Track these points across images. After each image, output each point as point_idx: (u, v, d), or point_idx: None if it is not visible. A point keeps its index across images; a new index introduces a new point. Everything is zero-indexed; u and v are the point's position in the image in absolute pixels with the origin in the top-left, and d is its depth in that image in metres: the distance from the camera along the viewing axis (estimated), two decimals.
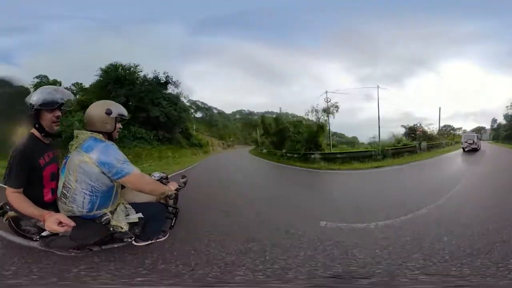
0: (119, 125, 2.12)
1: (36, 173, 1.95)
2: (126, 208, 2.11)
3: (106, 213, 2.00)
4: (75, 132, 2.03)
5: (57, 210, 2.00)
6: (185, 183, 2.48)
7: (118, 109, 2.10)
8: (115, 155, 1.92)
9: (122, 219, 2.04)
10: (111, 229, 2.04)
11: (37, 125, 1.97)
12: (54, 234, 1.97)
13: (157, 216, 2.29)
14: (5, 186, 1.89)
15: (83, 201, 1.94)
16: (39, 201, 1.92)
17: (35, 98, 1.92)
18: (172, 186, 2.25)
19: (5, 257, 2.25)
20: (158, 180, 2.40)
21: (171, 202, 2.60)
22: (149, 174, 2.41)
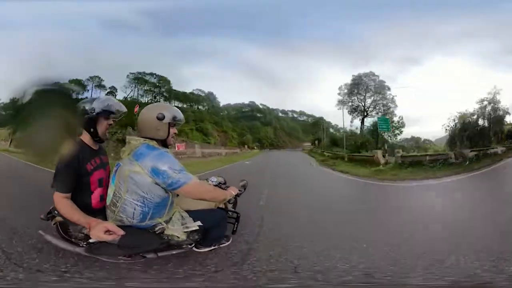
0: (173, 130, 1.94)
1: (83, 178, 1.91)
2: (182, 216, 1.98)
3: (160, 223, 1.88)
4: (127, 138, 1.92)
5: (105, 217, 1.94)
6: (244, 186, 2.33)
7: (172, 112, 1.90)
8: (169, 164, 1.75)
9: (179, 228, 1.91)
10: (166, 238, 1.93)
11: (92, 130, 1.96)
12: (102, 241, 1.89)
13: (218, 223, 2.16)
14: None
15: (133, 212, 1.82)
16: (86, 207, 1.88)
17: (95, 105, 1.93)
18: (233, 191, 2.10)
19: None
20: (216, 185, 2.28)
21: (230, 206, 2.48)
22: (206, 180, 2.28)
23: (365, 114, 23.25)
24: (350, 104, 24.27)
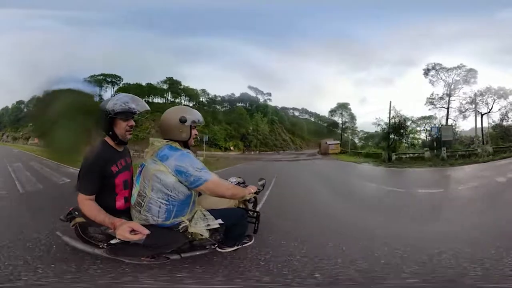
0: (194, 132, 2.03)
1: (108, 180, 1.91)
2: (204, 215, 2.02)
3: (183, 221, 1.93)
4: (151, 139, 1.97)
5: (129, 218, 1.94)
6: (263, 185, 2.41)
7: (193, 115, 2.00)
8: (191, 163, 1.85)
9: (201, 226, 1.96)
10: (190, 236, 1.97)
11: (110, 133, 1.94)
12: (124, 242, 1.88)
13: (239, 222, 2.21)
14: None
15: (159, 210, 1.87)
16: (110, 209, 1.88)
17: (111, 106, 1.88)
18: (252, 189, 2.18)
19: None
20: (236, 185, 2.30)
21: (250, 206, 2.54)
22: (226, 180, 2.31)
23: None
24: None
